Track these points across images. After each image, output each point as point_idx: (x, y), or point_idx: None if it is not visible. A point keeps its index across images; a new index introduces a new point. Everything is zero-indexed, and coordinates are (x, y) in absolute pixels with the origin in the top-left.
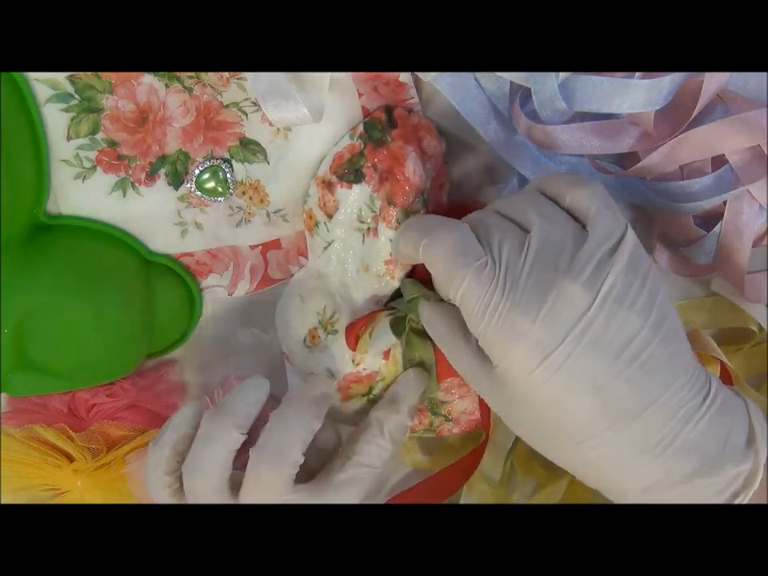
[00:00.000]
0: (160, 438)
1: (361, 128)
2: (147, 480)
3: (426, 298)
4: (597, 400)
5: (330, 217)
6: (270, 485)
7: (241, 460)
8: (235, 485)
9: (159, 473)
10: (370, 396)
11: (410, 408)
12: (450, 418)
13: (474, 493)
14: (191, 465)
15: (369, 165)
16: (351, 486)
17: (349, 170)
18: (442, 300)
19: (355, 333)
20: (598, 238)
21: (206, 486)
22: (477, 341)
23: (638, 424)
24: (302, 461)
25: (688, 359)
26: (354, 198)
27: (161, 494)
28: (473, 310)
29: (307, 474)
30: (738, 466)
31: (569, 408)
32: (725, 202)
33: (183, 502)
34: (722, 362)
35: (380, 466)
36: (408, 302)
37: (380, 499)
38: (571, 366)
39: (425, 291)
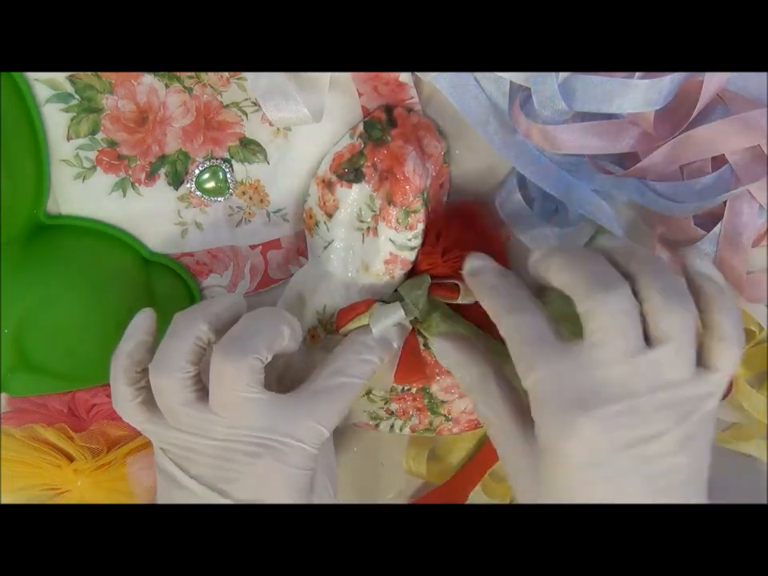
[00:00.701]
0: (115, 350)
1: (361, 127)
2: (113, 396)
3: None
4: None
5: (330, 216)
6: (230, 376)
7: None
8: (207, 394)
9: (119, 385)
10: (370, 395)
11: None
12: (450, 417)
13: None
14: (156, 360)
15: (369, 164)
16: (328, 393)
17: (349, 170)
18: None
19: (347, 318)
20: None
21: (170, 381)
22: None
23: None
24: (266, 357)
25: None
26: (354, 197)
27: (126, 408)
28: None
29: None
30: None
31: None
32: (725, 202)
33: (152, 416)
34: None
35: (360, 376)
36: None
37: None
38: (623, 482)
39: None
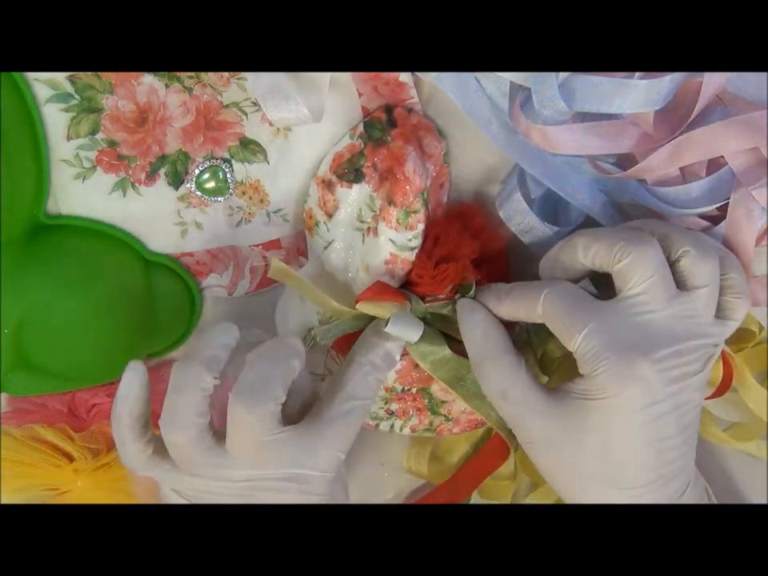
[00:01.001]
0: (113, 412)
1: (361, 128)
2: (121, 456)
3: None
4: (659, 457)
5: (330, 216)
6: (252, 425)
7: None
8: (220, 435)
9: (127, 444)
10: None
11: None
12: (450, 417)
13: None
14: (166, 418)
15: (369, 164)
16: (343, 419)
17: (349, 170)
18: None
19: (375, 296)
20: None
21: (186, 437)
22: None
23: (672, 484)
24: (284, 398)
25: None
26: (354, 197)
27: (137, 463)
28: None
29: (291, 422)
30: None
31: (632, 455)
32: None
33: (164, 463)
34: (724, 356)
35: (371, 397)
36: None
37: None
38: (663, 420)
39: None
